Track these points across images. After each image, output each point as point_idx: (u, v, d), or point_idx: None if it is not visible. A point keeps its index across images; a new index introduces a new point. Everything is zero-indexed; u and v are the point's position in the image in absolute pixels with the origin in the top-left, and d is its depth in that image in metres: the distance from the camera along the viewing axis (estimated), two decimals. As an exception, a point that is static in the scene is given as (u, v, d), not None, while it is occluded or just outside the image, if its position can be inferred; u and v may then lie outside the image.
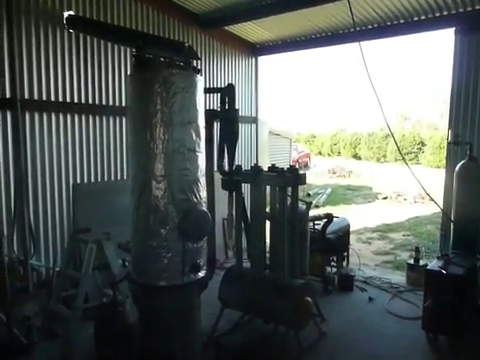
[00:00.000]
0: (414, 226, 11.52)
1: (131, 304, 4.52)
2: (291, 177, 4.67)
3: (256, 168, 4.94)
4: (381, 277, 7.28)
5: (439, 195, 14.91)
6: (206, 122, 4.12)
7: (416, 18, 6.77)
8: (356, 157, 34.17)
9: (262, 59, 9.23)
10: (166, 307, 3.57)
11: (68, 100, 5.92)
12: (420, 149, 28.77)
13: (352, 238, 9.33)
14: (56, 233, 5.94)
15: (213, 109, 4.59)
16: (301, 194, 15.54)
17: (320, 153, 38.42)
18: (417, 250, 7.13)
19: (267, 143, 13.87)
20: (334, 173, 23.44)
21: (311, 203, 5.37)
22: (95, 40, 6.11)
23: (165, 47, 3.82)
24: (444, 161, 22.97)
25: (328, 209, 14.20)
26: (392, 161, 29.97)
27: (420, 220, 12.23)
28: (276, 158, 17.01)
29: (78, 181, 6.11)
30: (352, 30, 7.54)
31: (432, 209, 13.44)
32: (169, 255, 3.46)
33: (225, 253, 8.27)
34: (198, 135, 3.55)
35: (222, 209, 4.73)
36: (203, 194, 3.65)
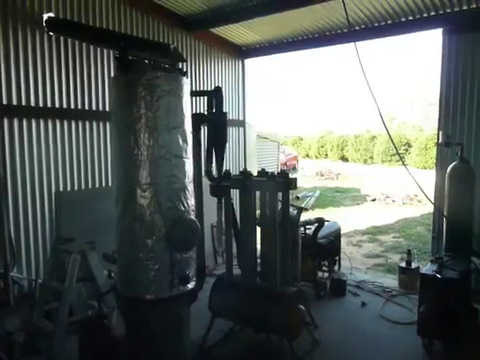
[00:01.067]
0: (404, 228, 11.49)
1: (118, 316, 4.34)
2: (282, 182, 4.53)
3: (245, 173, 4.79)
4: (373, 281, 7.19)
5: (429, 195, 15.00)
6: (193, 126, 3.98)
7: (404, 19, 6.71)
8: (343, 159, 34.33)
9: (249, 62, 9.12)
10: (154, 321, 3.39)
11: (49, 105, 5.70)
12: (406, 150, 28.98)
13: (342, 241, 9.23)
14: (38, 243, 5.70)
15: (200, 113, 4.44)
16: (290, 197, 15.49)
17: (307, 155, 38.51)
18: (409, 253, 7.06)
19: (255, 147, 13.78)
20: (322, 175, 23.43)
21: (302, 208, 5.25)
22: (77, 43, 5.91)
23: (149, 49, 3.65)
24: (430, 162, 23.12)
25: (317, 212, 14.14)
26: (379, 162, 30.16)
27: (409, 222, 12.22)
28: (264, 162, 16.94)
29: (61, 189, 5.89)
30: (339, 32, 7.49)
31: (421, 211, 13.51)
32: (156, 267, 3.29)
33: (214, 259, 8.09)
34: (185, 140, 3.39)
35: (211, 215, 4.58)
36: (191, 202, 3.49)
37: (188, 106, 3.48)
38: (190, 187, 3.47)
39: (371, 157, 31.62)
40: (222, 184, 4.22)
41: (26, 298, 5.43)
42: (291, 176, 4.66)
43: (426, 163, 26.26)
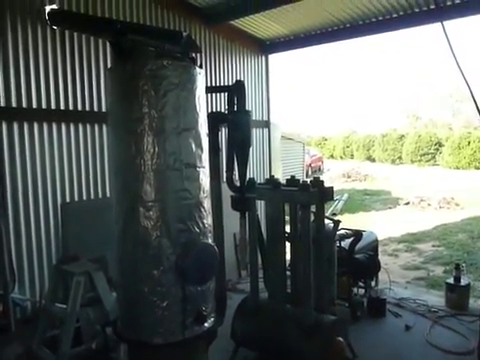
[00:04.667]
0: (443, 235, 10.53)
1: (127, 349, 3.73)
2: (316, 192, 3.83)
3: (273, 181, 4.10)
4: (415, 298, 6.36)
5: (467, 198, 13.98)
6: (210, 128, 3.31)
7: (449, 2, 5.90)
8: (370, 159, 33.18)
9: (273, 57, 8.42)
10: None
11: (53, 107, 5.15)
12: (437, 150, 27.70)
13: (377, 251, 8.46)
14: (43, 261, 5.14)
15: (218, 112, 3.76)
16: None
17: (332, 156, 37.52)
18: (457, 267, 6.21)
19: (279, 149, 13.03)
20: (349, 177, 22.47)
21: (340, 221, 4.52)
22: (83, 37, 5.35)
23: (156, 36, 3.01)
24: (464, 161, 21.88)
25: (346, 217, 13.31)
26: (408, 163, 28.94)
27: (449, 228, 11.23)
28: (289, 164, 16.17)
29: (67, 199, 5.32)
30: (374, 20, 6.72)
31: (460, 215, 12.50)
32: (164, 304, 2.63)
33: (238, 273, 7.41)
34: (199, 145, 2.73)
35: (233, 222, 3.91)
36: (208, 221, 2.82)
37: (203, 103, 2.81)
38: (206, 203, 2.81)
39: (400, 157, 30.41)
40: (246, 196, 3.53)
41: (29, 322, 4.90)
42: (326, 185, 3.95)
43: (459, 163, 24.99)
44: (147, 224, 2.60)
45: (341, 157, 36.56)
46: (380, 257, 8.67)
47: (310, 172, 23.38)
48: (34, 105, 4.99)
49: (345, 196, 16.40)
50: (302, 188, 3.79)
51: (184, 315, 2.67)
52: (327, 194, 3.94)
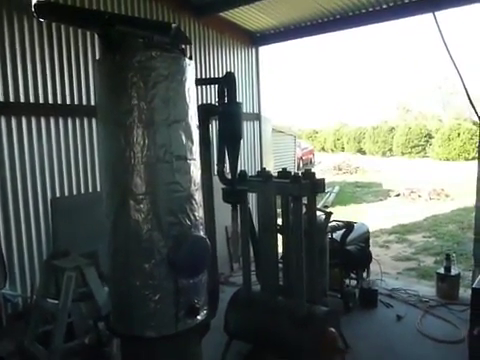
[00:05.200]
0: (434, 226, 10.63)
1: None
2: (308, 184, 3.83)
3: (264, 174, 4.09)
4: (406, 289, 6.42)
5: (456, 189, 14.09)
6: (200, 120, 3.29)
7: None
8: (361, 152, 33.31)
9: (263, 49, 8.38)
10: (157, 362, 2.73)
11: (41, 101, 5.07)
12: (427, 141, 27.90)
13: (368, 242, 8.51)
14: (34, 256, 5.10)
15: (209, 104, 3.74)
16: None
17: (323, 149, 37.58)
18: (448, 258, 6.27)
19: (270, 142, 13.01)
20: (340, 169, 22.55)
21: (331, 213, 4.53)
22: (71, 30, 5.26)
23: (144, 26, 2.97)
24: (454, 153, 22.00)
25: (338, 209, 13.36)
26: (399, 155, 29.11)
27: (439, 219, 11.34)
28: (280, 157, 16.17)
29: (57, 194, 5.27)
30: (364, 11, 6.70)
31: (450, 206, 12.62)
32: (156, 297, 2.62)
33: (230, 266, 7.42)
34: (189, 137, 2.71)
35: (224, 215, 3.90)
36: (199, 214, 2.80)
37: (193, 95, 2.79)
38: (197, 196, 2.79)
39: (390, 149, 30.57)
40: (237, 188, 3.51)
41: (21, 318, 4.86)
42: (318, 177, 3.95)
43: (449, 154, 25.20)
44: (138, 217, 2.58)
45: (332, 150, 36.63)
46: (371, 248, 8.71)
47: (301, 165, 23.39)
48: (22, 99, 4.92)
49: (336, 188, 16.49)
50: (293, 180, 3.78)
51: (177, 308, 2.67)
52: (318, 186, 3.94)
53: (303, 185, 3.76)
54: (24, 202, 4.98)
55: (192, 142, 2.73)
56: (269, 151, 12.67)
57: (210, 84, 4.63)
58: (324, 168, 23.81)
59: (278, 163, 14.02)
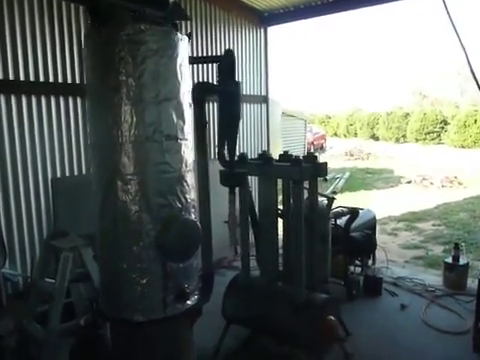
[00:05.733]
0: (444, 214, 10.38)
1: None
2: (309, 168, 3.69)
3: (265, 157, 3.96)
4: (412, 277, 6.28)
5: (470, 177, 13.75)
6: (196, 100, 3.17)
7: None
8: (374, 138, 32.82)
9: (272, 30, 8.15)
10: (145, 348, 2.67)
11: (42, 79, 4.98)
12: (443, 128, 27.29)
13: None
14: (34, 236, 5.07)
15: (206, 82, 3.60)
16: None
17: (336, 134, 37.15)
18: (456, 247, 6.10)
19: (280, 126, 12.82)
20: (352, 155, 22.23)
21: (334, 198, 4.40)
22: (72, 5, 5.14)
23: (138, 1, 2.83)
24: (470, 140, 21.35)
25: (347, 196, 13.19)
26: (413, 141, 28.59)
27: (451, 207, 11.07)
28: (290, 142, 15.97)
29: (58, 174, 5.22)
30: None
31: (463, 194, 12.33)
32: (144, 281, 2.54)
33: (234, 250, 7.33)
34: (181, 116, 2.59)
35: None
36: (191, 196, 2.71)
37: (186, 71, 2.66)
38: (189, 177, 2.69)
39: (404, 136, 30.02)
40: (235, 171, 3.40)
41: (21, 297, 4.86)
42: (321, 160, 3.80)
43: (465, 141, 24.63)
44: (126, 198, 2.50)
45: (345, 135, 36.17)
46: (379, 236, 8.58)
47: (312, 150, 23.13)
48: (22, 77, 4.83)
49: (346, 174, 16.26)
50: (294, 163, 3.65)
51: (165, 292, 2.60)
52: (320, 170, 3.81)
53: (304, 168, 3.63)
54: (24, 182, 4.93)
55: (184, 121, 2.62)
56: (278, 135, 12.52)
57: (209, 62, 4.48)
58: (335, 153, 23.53)
59: (288, 148, 13.84)
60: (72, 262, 4.07)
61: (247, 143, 7.61)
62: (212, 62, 3.86)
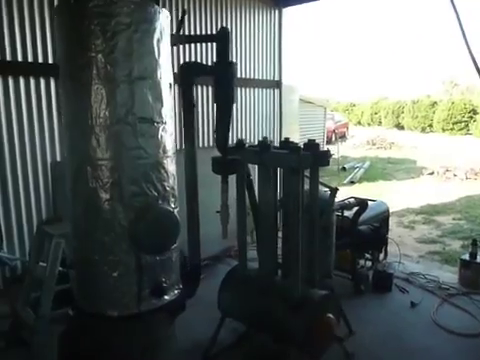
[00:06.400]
0: (466, 208, 9.89)
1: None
2: (308, 156, 3.43)
3: (263, 144, 3.72)
4: (426, 274, 5.95)
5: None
6: (183, 80, 2.96)
7: None
8: (399, 127, 31.89)
9: (288, 11, 7.79)
10: (120, 342, 2.52)
11: (40, 60, 4.85)
12: (471, 118, 26.22)
13: (392, 221, 8.01)
14: (32, 220, 4.99)
15: (194, 62, 3.37)
16: (335, 168, 14.13)
17: (359, 123, 36.28)
18: (474, 243, 5.74)
19: (297, 112, 12.47)
20: (374, 144, 21.62)
21: (337, 189, 4.13)
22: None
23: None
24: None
25: (364, 186, 12.80)
26: (439, 131, 27.63)
27: (474, 200, 10.54)
28: (308, 129, 15.55)
29: (58, 158, 5.11)
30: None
31: (488, 187, 11.78)
32: (116, 274, 2.38)
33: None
34: (158, 97, 2.38)
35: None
36: (169, 184, 2.51)
37: (165, 48, 2.44)
38: (168, 164, 2.49)
39: (430, 125, 29.03)
40: (228, 158, 3.19)
41: (19, 281, 4.83)
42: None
43: (494, 132, 23.63)
44: (96, 185, 2.32)
45: (369, 124, 35.30)
46: (395, 229, 8.26)
47: (334, 138, 22.61)
48: (20, 58, 4.71)
49: (366, 164, 15.79)
50: (292, 151, 3.40)
51: (139, 286, 2.43)
52: (322, 158, 3.53)
53: (302, 156, 3.36)
54: (23, 165, 4.84)
55: (162, 103, 2.41)
56: (294, 122, 12.18)
57: (202, 42, 4.22)
58: (357, 142, 22.95)
59: (306, 135, 13.47)
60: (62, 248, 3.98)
61: (257, 130, 7.35)
62: (207, 41, 3.62)
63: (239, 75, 6.77)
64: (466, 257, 5.74)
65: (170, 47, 2.52)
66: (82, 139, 2.30)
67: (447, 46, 55.93)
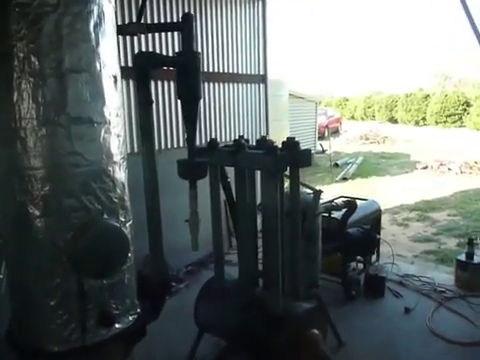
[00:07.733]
0: (462, 203, 9.61)
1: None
2: (286, 156, 3.08)
3: (238, 144, 3.36)
4: (421, 275, 5.69)
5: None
6: (138, 74, 2.59)
7: None
8: (392, 120, 31.65)
9: (272, 1, 7.43)
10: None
11: None
12: (465, 110, 26.00)
13: (385, 219, 7.75)
14: None
15: (150, 52, 3.00)
16: (328, 164, 13.81)
17: (353, 117, 36.00)
18: (471, 242, 5.46)
19: (287, 108, 12.11)
20: (367, 139, 21.34)
21: (321, 191, 3.79)
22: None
23: None
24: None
25: (358, 182, 12.50)
26: (432, 124, 27.41)
27: (469, 195, 10.27)
28: (298, 125, 15.19)
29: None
30: None
31: (483, 181, 11.50)
32: (53, 302, 2.01)
33: (228, 241, 6.83)
34: (99, 94, 2.01)
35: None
36: (117, 194, 2.14)
37: (109, 36, 2.07)
38: (114, 171, 2.12)
39: (423, 118, 28.80)
40: (194, 161, 2.84)
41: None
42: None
43: (488, 124, 23.41)
44: (25, 199, 1.95)
45: (362, 118, 35.01)
46: (388, 227, 7.95)
47: (327, 134, 22.30)
48: None
49: (359, 159, 15.49)
50: (268, 151, 3.04)
51: (83, 316, 2.06)
52: (302, 158, 3.19)
53: (279, 157, 3.01)
54: None
55: (103, 100, 2.03)
56: (284, 118, 11.84)
57: (166, 31, 3.85)
58: (350, 137, 22.66)
59: (297, 132, 13.13)
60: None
61: (242, 128, 7.00)
62: (171, 30, 3.26)
63: (220, 70, 6.43)
64: (462, 258, 5.48)
65: (115, 35, 2.14)
66: (5, 145, 1.93)
67: (438, 39, 55.62)
